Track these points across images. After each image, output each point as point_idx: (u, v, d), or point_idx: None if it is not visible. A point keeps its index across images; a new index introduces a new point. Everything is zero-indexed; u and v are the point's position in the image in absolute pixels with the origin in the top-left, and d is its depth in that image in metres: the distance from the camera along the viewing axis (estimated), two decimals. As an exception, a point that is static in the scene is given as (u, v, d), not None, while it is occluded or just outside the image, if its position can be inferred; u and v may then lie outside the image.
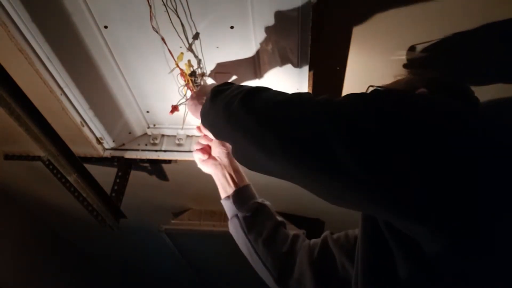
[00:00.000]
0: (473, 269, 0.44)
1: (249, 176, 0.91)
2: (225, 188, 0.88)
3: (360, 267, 0.55)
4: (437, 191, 0.43)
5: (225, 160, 0.90)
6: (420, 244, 0.46)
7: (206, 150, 0.94)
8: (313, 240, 0.82)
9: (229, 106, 0.61)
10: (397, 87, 0.79)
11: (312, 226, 1.90)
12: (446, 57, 0.93)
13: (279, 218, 0.87)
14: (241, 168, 0.92)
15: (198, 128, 0.95)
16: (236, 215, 0.84)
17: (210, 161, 0.91)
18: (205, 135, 0.94)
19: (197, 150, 0.93)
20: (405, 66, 0.96)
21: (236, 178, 0.88)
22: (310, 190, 0.54)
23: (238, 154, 0.64)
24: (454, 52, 0.91)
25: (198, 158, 0.93)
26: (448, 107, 0.49)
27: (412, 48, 0.92)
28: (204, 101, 0.82)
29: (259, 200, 0.88)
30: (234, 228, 0.85)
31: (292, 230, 0.87)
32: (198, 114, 0.82)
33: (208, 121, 0.71)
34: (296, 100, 0.55)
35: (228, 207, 0.87)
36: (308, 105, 0.52)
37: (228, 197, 0.86)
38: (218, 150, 0.91)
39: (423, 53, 0.92)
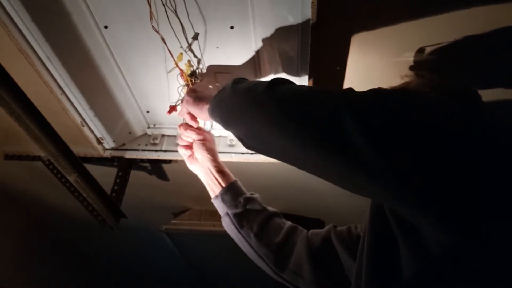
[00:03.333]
0: (474, 268, 0.44)
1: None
2: (212, 189, 0.91)
3: (365, 261, 0.55)
4: (438, 192, 0.43)
5: (208, 164, 0.92)
6: (426, 240, 0.46)
7: (191, 147, 0.95)
8: (312, 231, 0.84)
9: (254, 90, 0.62)
10: None
11: (312, 226, 1.90)
12: (449, 60, 0.93)
13: (270, 209, 0.90)
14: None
15: (180, 126, 0.95)
16: (227, 213, 0.87)
17: (196, 161, 0.94)
18: (187, 129, 0.94)
19: (181, 146, 0.95)
20: (406, 67, 0.96)
21: (222, 179, 0.90)
22: (322, 174, 0.55)
23: (254, 139, 0.64)
24: (457, 55, 0.91)
25: (183, 153, 0.95)
26: (450, 107, 0.49)
27: (413, 50, 0.92)
28: (205, 96, 0.84)
29: (248, 194, 0.90)
30: (227, 226, 0.87)
31: (289, 221, 0.89)
32: (197, 109, 0.84)
33: (225, 106, 0.71)
34: (320, 90, 0.57)
35: (218, 206, 0.89)
36: (331, 95, 0.53)
37: (216, 196, 0.89)
38: (201, 152, 0.92)
39: (423, 55, 0.92)
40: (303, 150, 0.53)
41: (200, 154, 0.92)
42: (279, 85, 0.62)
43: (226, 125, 0.71)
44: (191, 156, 0.95)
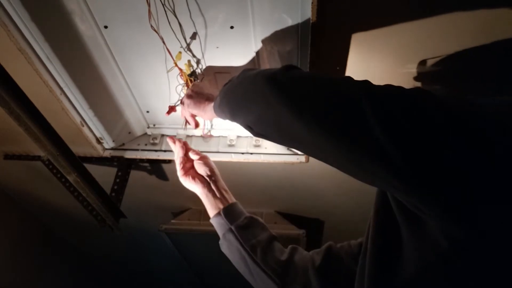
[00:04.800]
0: (481, 262, 0.44)
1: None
2: (215, 205, 0.87)
3: (368, 255, 0.55)
4: (436, 192, 0.43)
5: (212, 181, 0.90)
6: (433, 232, 0.47)
7: (186, 160, 0.93)
8: (313, 251, 0.82)
9: (269, 71, 0.61)
10: None
11: (312, 226, 1.90)
12: (452, 70, 0.93)
13: (272, 232, 0.86)
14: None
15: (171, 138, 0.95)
16: (230, 229, 0.83)
17: (196, 179, 0.90)
18: (190, 151, 0.93)
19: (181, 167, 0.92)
20: (405, 73, 0.96)
21: (226, 196, 0.88)
22: (330, 159, 0.54)
23: (264, 123, 0.62)
24: (460, 64, 0.91)
25: (179, 169, 0.92)
26: (462, 107, 0.49)
27: (414, 50, 0.93)
28: (206, 95, 0.84)
29: (250, 215, 0.87)
30: (228, 244, 0.83)
31: (292, 231, 0.87)
32: (199, 110, 0.84)
33: (234, 93, 0.69)
34: (338, 77, 0.56)
35: (219, 223, 0.85)
36: (351, 81, 0.53)
37: (218, 213, 0.85)
38: (204, 169, 0.91)
39: (425, 65, 0.93)
40: (314, 133, 0.52)
41: (204, 170, 0.91)
42: (296, 69, 0.61)
43: (235, 113, 0.69)
44: (188, 174, 0.92)
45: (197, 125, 0.95)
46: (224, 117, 0.74)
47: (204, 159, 0.93)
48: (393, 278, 0.52)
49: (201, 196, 0.90)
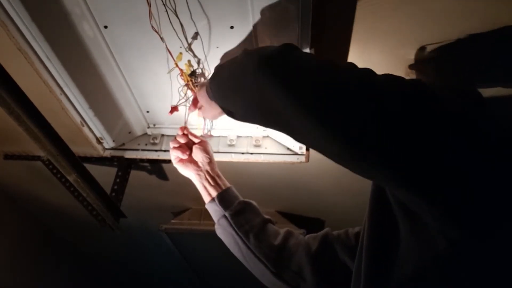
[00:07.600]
0: (478, 264, 0.44)
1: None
2: (209, 192, 0.89)
3: (365, 250, 0.55)
4: (435, 192, 0.43)
5: (207, 167, 0.91)
6: (430, 229, 0.47)
7: (185, 149, 0.94)
8: (309, 236, 0.82)
9: (267, 48, 0.60)
10: None
11: (312, 225, 1.90)
12: (450, 58, 0.93)
13: (266, 216, 0.88)
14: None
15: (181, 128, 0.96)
16: (224, 215, 0.85)
17: (191, 165, 0.92)
18: (183, 134, 0.95)
19: (175, 148, 0.93)
20: (408, 65, 0.96)
21: (220, 181, 0.89)
22: (324, 150, 0.54)
23: (253, 109, 0.60)
24: (457, 53, 0.91)
25: (175, 156, 0.94)
26: (462, 106, 0.49)
27: (415, 47, 0.92)
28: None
29: (244, 199, 0.89)
30: (223, 229, 0.85)
31: (290, 229, 0.88)
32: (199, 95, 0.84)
33: (228, 72, 0.68)
34: (338, 66, 0.54)
35: (214, 209, 0.87)
36: (351, 72, 0.52)
37: (212, 199, 0.87)
38: (201, 155, 0.92)
39: (425, 53, 0.92)
40: (305, 120, 0.50)
41: (202, 155, 0.92)
42: (293, 50, 0.58)
43: (222, 98, 0.67)
44: (186, 162, 0.93)
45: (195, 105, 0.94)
46: (213, 98, 0.74)
47: (203, 144, 0.94)
48: (390, 278, 0.51)
49: (196, 182, 0.92)
